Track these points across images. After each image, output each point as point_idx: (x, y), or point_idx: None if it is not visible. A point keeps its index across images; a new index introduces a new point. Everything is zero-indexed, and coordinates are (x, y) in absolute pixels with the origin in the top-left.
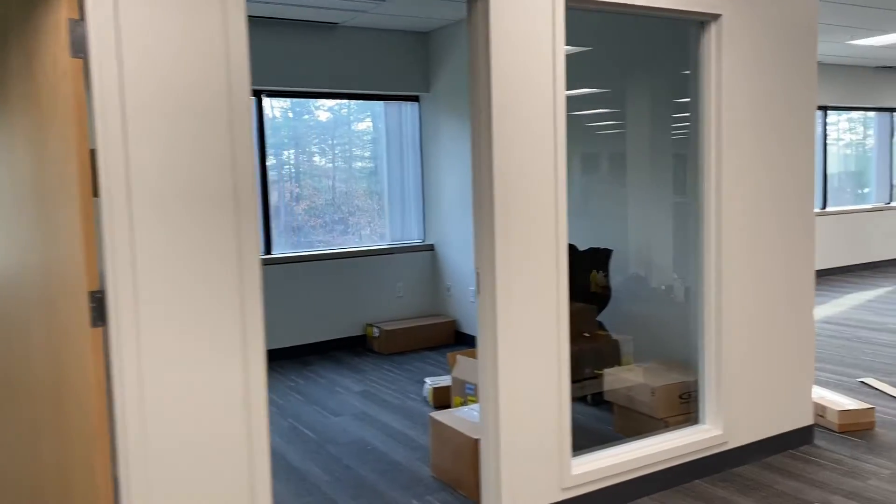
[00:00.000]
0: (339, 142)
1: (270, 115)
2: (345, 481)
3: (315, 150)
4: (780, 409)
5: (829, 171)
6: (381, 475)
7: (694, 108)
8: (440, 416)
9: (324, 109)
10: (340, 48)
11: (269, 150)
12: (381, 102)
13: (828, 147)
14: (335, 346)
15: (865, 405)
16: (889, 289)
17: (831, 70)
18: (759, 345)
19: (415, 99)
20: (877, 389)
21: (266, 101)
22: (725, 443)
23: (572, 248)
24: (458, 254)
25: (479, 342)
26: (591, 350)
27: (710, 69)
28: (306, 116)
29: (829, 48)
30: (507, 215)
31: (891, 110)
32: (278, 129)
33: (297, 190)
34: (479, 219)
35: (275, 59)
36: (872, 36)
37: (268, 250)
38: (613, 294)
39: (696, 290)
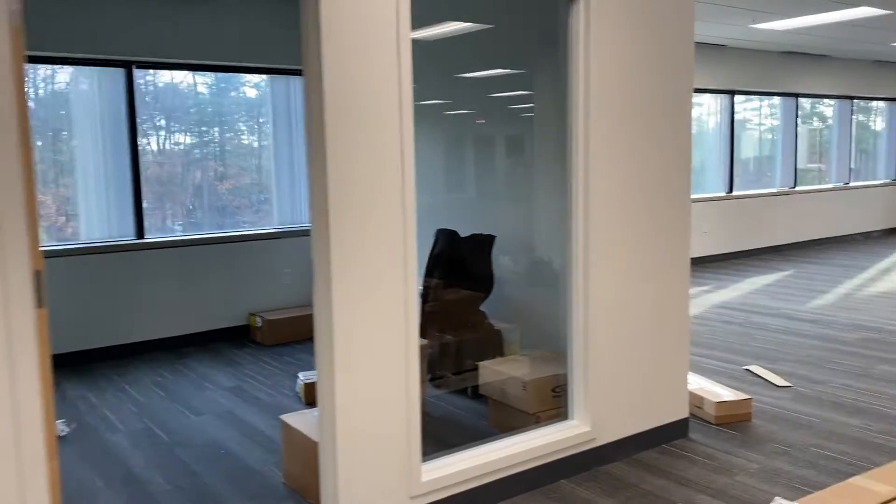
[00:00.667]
0: (226, 119)
1: (147, 89)
2: (186, 490)
3: (196, 127)
4: (653, 402)
5: (746, 155)
6: (229, 482)
7: (563, 90)
8: (292, 418)
9: (204, 84)
10: (223, 17)
11: (145, 127)
12: (267, 76)
13: (735, 132)
14: (216, 338)
15: (743, 396)
16: (788, 272)
17: (738, 54)
18: (630, 335)
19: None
20: (760, 377)
21: (140, 75)
22: (594, 440)
23: (452, 235)
24: None
25: (316, 336)
26: (471, 341)
27: (578, 48)
28: (186, 90)
29: (734, 31)
30: (344, 194)
31: (796, 95)
32: (161, 105)
33: (178, 170)
34: (313, 197)
35: (149, 29)
36: (775, 20)
37: (140, 234)
38: (506, 281)
39: (564, 279)
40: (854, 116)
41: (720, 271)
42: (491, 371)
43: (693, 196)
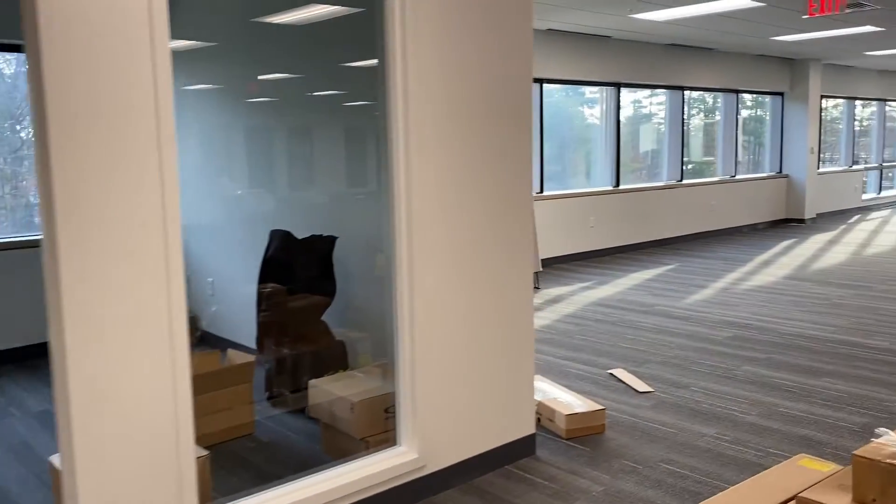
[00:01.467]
0: None
1: None
2: None
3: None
4: (494, 420)
5: (645, 148)
6: None
7: (381, 82)
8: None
9: None
10: None
11: None
12: None
13: (634, 125)
14: (40, 353)
15: (596, 406)
16: (671, 266)
17: (623, 46)
18: (465, 347)
19: None
20: (623, 382)
21: None
22: (423, 467)
23: (287, 236)
24: (196, 240)
25: (54, 362)
26: (311, 353)
27: (394, 36)
28: None
29: (614, 22)
30: (77, 179)
31: (682, 88)
32: None
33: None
34: (41, 201)
35: None
36: (654, 10)
37: None
38: (356, 286)
39: (390, 287)
40: (741, 110)
41: (605, 266)
42: (320, 390)
43: (580, 190)
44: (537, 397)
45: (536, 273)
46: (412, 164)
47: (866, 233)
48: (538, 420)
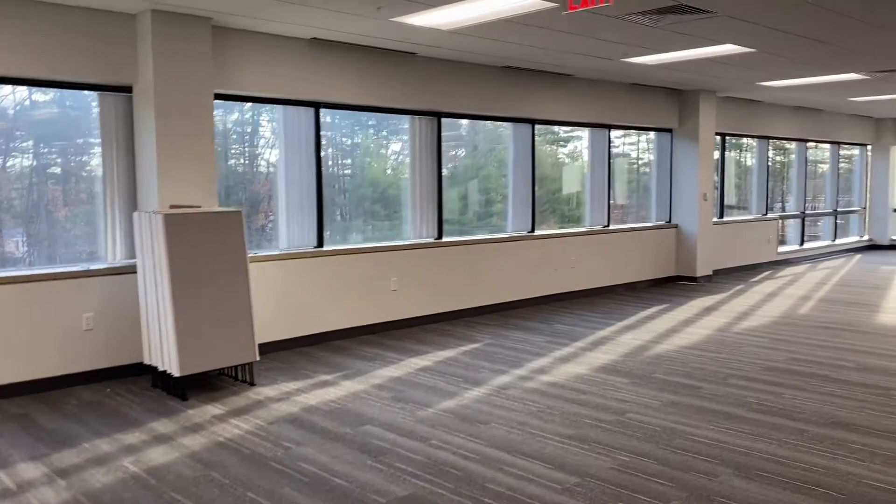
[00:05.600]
0: None
1: None
2: None
3: None
4: None
5: (481, 194)
6: None
7: None
8: None
9: None
10: None
11: None
12: None
13: (443, 163)
14: None
15: None
16: (477, 345)
17: (443, 67)
18: None
19: None
20: None
21: None
22: None
23: None
24: None
25: None
26: None
27: None
28: None
29: (376, 28)
30: None
31: (530, 121)
32: None
33: None
34: None
35: None
36: (415, 13)
37: None
38: None
39: None
40: (628, 150)
41: (390, 346)
42: None
43: (383, 244)
44: None
45: (248, 365)
46: None
47: (760, 296)
48: None
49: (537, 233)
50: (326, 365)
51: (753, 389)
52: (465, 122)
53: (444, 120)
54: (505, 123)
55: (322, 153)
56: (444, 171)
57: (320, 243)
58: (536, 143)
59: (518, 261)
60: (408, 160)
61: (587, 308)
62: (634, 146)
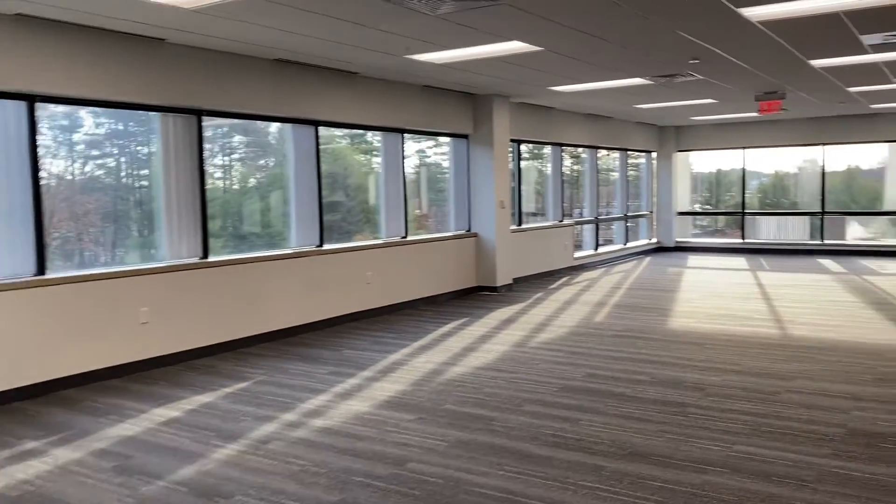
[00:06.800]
0: None
1: None
2: None
3: None
4: None
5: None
6: None
7: None
8: None
9: None
10: None
11: None
12: None
13: (205, 167)
14: None
15: None
16: (247, 384)
17: (201, 56)
18: None
19: None
20: None
21: None
22: None
23: None
24: None
25: None
26: None
27: None
28: None
29: (108, 6)
30: None
31: (313, 123)
32: None
33: None
34: None
35: None
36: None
37: None
38: None
39: None
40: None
41: (138, 390)
42: None
43: (127, 268)
44: None
45: None
46: None
47: (558, 304)
48: None
49: (326, 247)
50: (40, 426)
51: (549, 417)
52: (273, 127)
53: (259, 126)
54: (283, 125)
55: (43, 157)
56: (236, 182)
57: (41, 270)
58: (336, 148)
59: (303, 280)
60: (161, 167)
61: (382, 328)
62: (440, 153)
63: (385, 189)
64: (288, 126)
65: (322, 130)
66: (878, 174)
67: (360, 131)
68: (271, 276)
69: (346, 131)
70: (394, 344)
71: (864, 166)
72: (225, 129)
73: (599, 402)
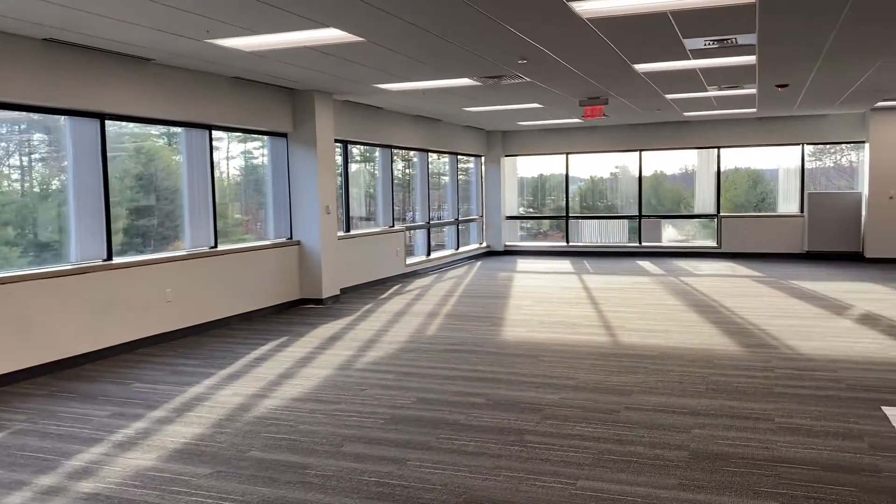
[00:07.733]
0: None
1: None
2: None
3: None
4: None
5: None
6: None
7: None
8: None
9: None
10: None
11: None
12: None
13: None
14: None
15: None
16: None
17: None
18: None
19: None
20: None
21: None
22: None
23: None
24: None
25: None
26: None
27: None
28: None
29: None
30: None
31: (99, 116)
32: None
33: None
34: None
35: None
36: None
37: None
38: None
39: None
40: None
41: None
42: None
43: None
44: None
45: None
46: None
47: (389, 316)
48: None
49: (117, 261)
50: None
51: (373, 459)
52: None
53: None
54: (62, 118)
55: None
56: None
57: None
58: (151, 147)
59: (86, 300)
60: None
61: (185, 353)
62: (258, 151)
63: (189, 193)
64: (65, 119)
65: (118, 126)
66: (681, 179)
67: (174, 128)
68: (43, 298)
69: (163, 129)
70: (196, 374)
71: (669, 171)
72: None
73: (431, 435)
